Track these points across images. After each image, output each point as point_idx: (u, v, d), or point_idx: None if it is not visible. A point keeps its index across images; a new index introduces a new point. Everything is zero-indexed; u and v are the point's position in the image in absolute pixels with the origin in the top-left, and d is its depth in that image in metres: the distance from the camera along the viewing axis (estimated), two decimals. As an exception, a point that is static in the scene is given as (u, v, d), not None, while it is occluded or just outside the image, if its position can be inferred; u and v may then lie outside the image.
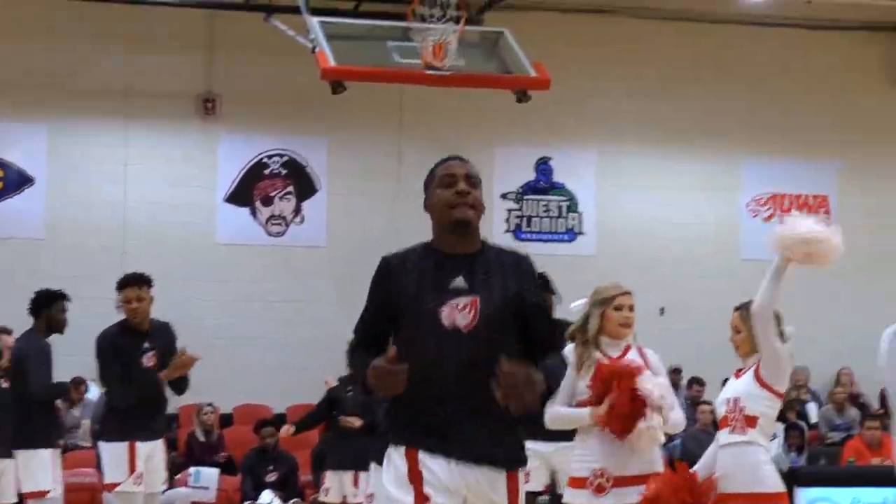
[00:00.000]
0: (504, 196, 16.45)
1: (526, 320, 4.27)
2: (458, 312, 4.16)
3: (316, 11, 12.82)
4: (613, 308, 6.35)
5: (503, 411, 4.05)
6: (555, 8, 16.21)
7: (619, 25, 16.40)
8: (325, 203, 15.97)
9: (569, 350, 6.36)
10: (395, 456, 4.21)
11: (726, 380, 6.54)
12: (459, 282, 4.21)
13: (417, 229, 16.50)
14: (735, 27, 16.76)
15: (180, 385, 8.29)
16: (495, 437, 4.17)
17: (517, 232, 16.48)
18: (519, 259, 4.41)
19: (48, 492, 8.74)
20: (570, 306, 6.77)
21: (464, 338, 4.15)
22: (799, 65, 16.93)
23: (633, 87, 16.41)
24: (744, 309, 6.25)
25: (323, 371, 14.84)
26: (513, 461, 4.23)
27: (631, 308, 6.38)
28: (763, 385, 6.06)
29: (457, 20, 11.99)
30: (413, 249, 4.39)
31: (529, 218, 16.57)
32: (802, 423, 14.88)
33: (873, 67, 17.30)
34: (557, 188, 16.63)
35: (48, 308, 8.90)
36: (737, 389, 6.15)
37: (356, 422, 10.33)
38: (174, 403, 14.67)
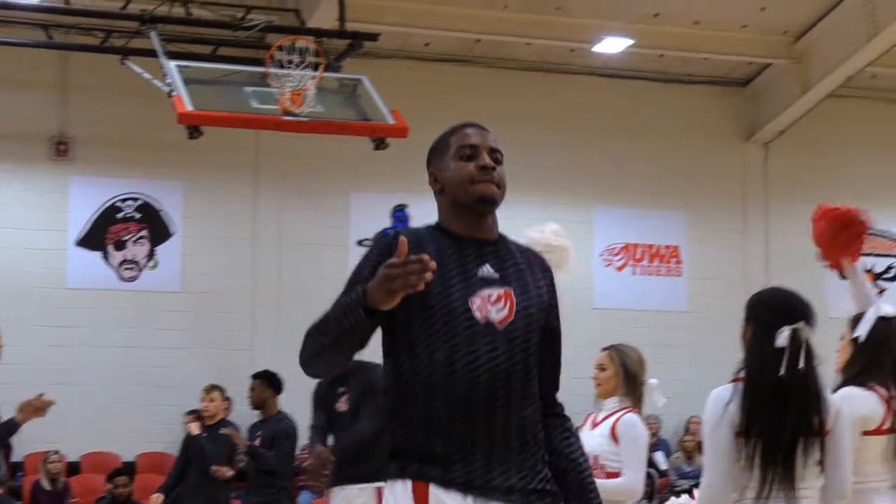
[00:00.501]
0: (360, 242, 16.45)
1: (541, 344, 3.50)
2: (491, 305, 3.40)
3: (173, 55, 12.73)
4: None
5: (538, 431, 3.41)
6: (414, 56, 16.35)
7: (478, 75, 16.59)
8: (179, 247, 15.80)
9: None
10: (398, 493, 3.36)
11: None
12: (488, 270, 3.47)
13: (271, 270, 16.35)
14: (590, 78, 17.06)
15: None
16: (530, 465, 3.37)
17: (373, 278, 16.46)
18: (543, 261, 3.68)
19: None
20: None
21: (498, 334, 3.36)
22: (651, 116, 17.28)
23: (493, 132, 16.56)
24: (613, 349, 6.36)
25: (175, 418, 14.67)
26: (549, 497, 3.41)
27: (602, 368, 6.38)
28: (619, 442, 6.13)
29: (315, 67, 12.01)
30: (420, 230, 3.61)
31: (386, 265, 16.57)
32: (653, 471, 15.09)
33: (722, 120, 17.75)
34: (414, 235, 16.66)
35: None
36: (594, 446, 6.11)
37: (227, 472, 10.21)
38: (19, 451, 14.45)
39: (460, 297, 3.39)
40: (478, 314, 3.38)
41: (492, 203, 3.63)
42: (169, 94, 12.19)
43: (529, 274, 3.55)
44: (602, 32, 15.98)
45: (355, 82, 12.98)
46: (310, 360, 3.62)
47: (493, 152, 3.76)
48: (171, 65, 12.35)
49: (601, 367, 6.34)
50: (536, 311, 3.47)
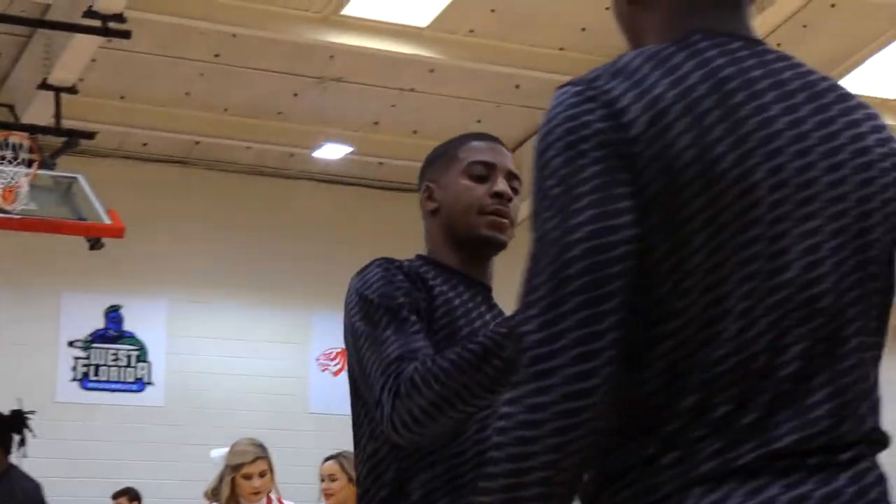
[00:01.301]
0: (71, 343, 16.04)
1: None
2: None
3: None
4: (242, 476, 6.20)
5: None
6: (132, 156, 16.18)
7: (196, 176, 16.52)
8: None
9: None
10: None
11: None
12: (502, 323, 2.70)
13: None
14: (308, 183, 17.19)
15: None
16: None
17: (84, 380, 16.07)
18: None
19: None
20: (210, 454, 6.62)
21: None
22: (370, 223, 17.49)
23: (207, 237, 16.49)
24: (340, 456, 6.34)
25: None
26: None
27: (262, 474, 6.24)
28: None
29: (29, 163, 11.75)
30: (413, 263, 3.07)
31: (97, 367, 16.21)
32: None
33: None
34: (127, 336, 16.38)
35: None
36: None
37: None
38: None
39: None
40: None
41: (499, 248, 2.97)
42: None
43: None
44: (322, 138, 16.18)
45: (71, 180, 12.74)
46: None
47: (512, 178, 3.00)
48: None
49: (332, 478, 6.32)
50: None
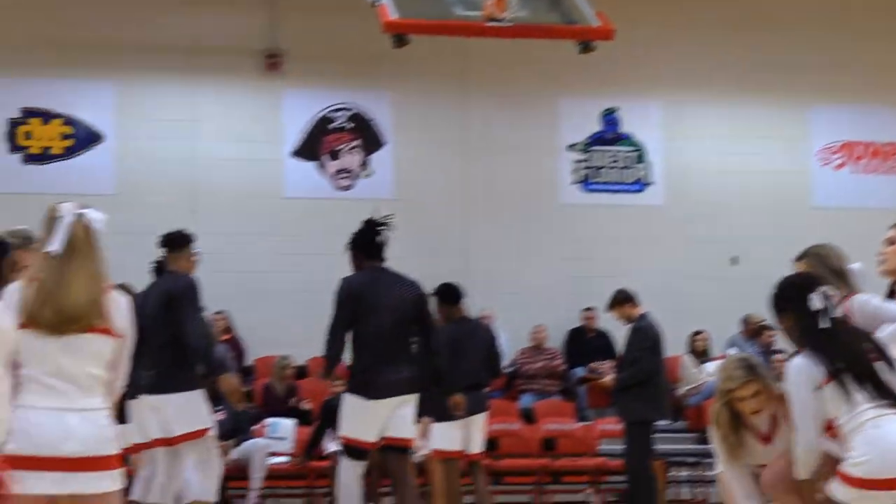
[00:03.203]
0: (570, 147, 16.38)
1: None
2: None
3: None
4: (735, 399, 6.13)
5: None
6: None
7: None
8: (391, 156, 15.98)
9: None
10: None
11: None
12: None
13: (481, 177, 16.43)
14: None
15: None
16: None
17: (585, 182, 16.41)
18: None
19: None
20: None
21: None
22: (872, 5, 16.66)
23: (698, 34, 16.24)
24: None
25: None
26: None
27: (756, 394, 6.11)
28: None
29: (517, -29, 11.88)
30: None
31: (597, 168, 16.49)
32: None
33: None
34: (624, 138, 16.53)
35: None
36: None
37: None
38: (252, 355, 14.96)
39: None
40: None
41: None
42: (373, 4, 12.24)
43: None
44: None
45: (563, -16, 12.81)
46: None
47: None
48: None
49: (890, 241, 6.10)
50: None
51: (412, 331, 8.55)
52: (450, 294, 10.66)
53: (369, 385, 8.31)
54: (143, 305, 8.07)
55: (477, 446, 10.41)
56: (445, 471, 10.40)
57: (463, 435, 10.33)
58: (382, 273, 8.68)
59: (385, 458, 8.87)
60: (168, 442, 8.35)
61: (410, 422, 8.41)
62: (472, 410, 10.18)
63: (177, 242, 8.74)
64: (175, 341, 8.24)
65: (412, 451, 8.85)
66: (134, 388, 7.92)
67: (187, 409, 8.29)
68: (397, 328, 8.43)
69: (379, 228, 8.76)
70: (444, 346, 9.50)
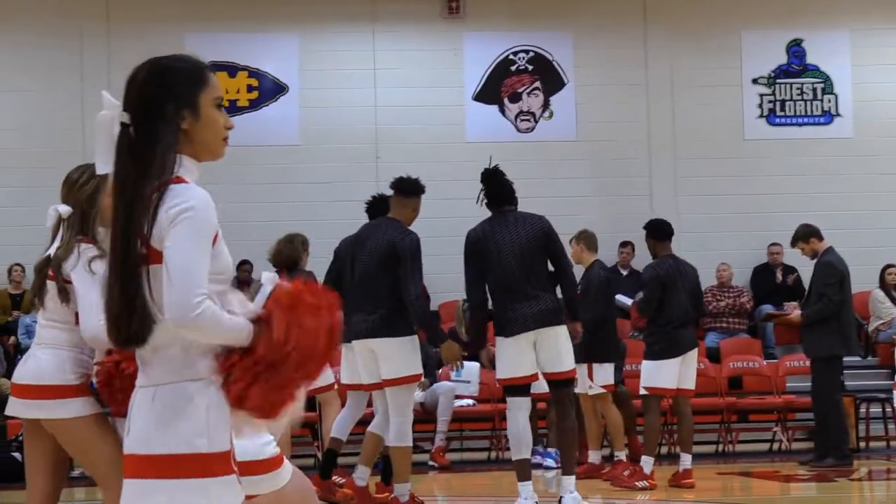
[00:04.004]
0: (755, 81, 16.09)
1: None
2: None
3: None
4: None
5: None
6: None
7: None
8: (573, 96, 15.91)
9: None
10: None
11: None
12: None
13: (665, 115, 16.28)
14: None
15: None
16: None
17: (770, 116, 16.11)
18: None
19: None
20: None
21: None
22: None
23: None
24: None
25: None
26: None
27: None
28: None
29: None
30: None
31: (783, 102, 16.17)
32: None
33: None
34: (811, 70, 16.16)
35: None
36: None
37: None
38: (435, 301, 15.13)
39: None
40: None
41: None
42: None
43: None
44: None
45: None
46: None
47: None
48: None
49: None
50: None
51: (544, 266, 8.60)
52: (658, 229, 10.61)
53: (506, 324, 8.41)
54: (361, 247, 8.37)
55: (690, 382, 10.37)
56: (652, 408, 10.37)
57: (679, 371, 10.29)
58: (504, 218, 8.74)
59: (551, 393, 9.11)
60: (378, 386, 8.53)
61: (566, 354, 8.43)
62: (687, 347, 10.19)
63: (409, 190, 8.95)
64: (393, 291, 8.37)
65: (573, 384, 8.89)
66: (352, 333, 8.15)
67: (400, 355, 8.39)
68: (524, 267, 8.50)
69: (501, 175, 8.88)
70: (654, 281, 10.03)
